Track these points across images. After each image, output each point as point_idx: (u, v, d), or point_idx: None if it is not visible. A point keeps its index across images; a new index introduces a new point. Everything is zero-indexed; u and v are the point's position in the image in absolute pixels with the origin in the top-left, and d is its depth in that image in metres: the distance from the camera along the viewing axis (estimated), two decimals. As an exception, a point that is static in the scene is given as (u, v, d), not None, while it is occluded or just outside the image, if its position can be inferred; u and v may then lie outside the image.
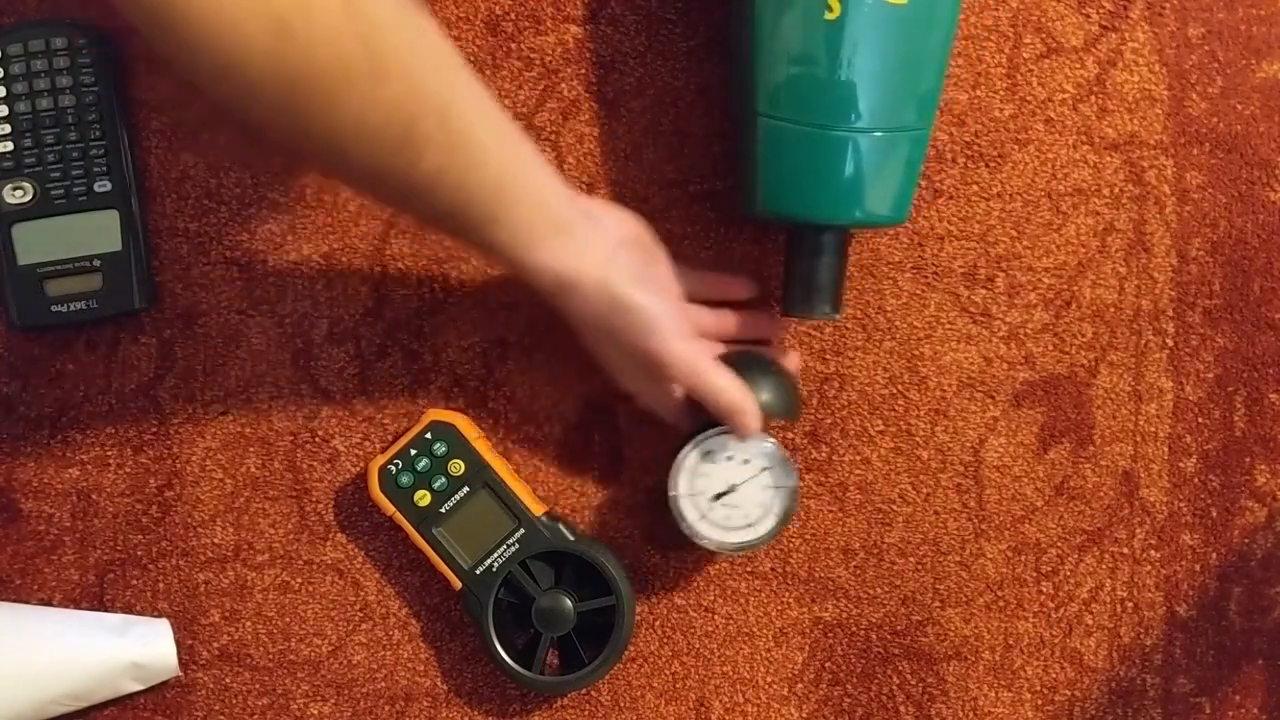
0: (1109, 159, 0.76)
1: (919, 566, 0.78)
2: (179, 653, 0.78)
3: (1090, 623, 0.78)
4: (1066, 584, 0.78)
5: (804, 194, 0.69)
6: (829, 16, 0.65)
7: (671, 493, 0.72)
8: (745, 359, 0.72)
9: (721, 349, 0.73)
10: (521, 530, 0.74)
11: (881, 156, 0.68)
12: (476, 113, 0.59)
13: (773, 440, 0.71)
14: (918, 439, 0.77)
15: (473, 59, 0.76)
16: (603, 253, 0.65)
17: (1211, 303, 0.77)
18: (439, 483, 0.74)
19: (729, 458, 0.71)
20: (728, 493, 0.72)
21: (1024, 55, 0.76)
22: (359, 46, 0.53)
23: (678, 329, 0.67)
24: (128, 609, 0.78)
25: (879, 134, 0.67)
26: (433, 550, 0.75)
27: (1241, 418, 0.77)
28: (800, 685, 0.78)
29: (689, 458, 0.71)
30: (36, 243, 0.75)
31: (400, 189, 0.59)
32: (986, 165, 0.76)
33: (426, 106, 0.56)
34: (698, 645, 0.78)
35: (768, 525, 0.72)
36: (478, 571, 0.75)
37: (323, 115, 0.54)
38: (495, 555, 0.74)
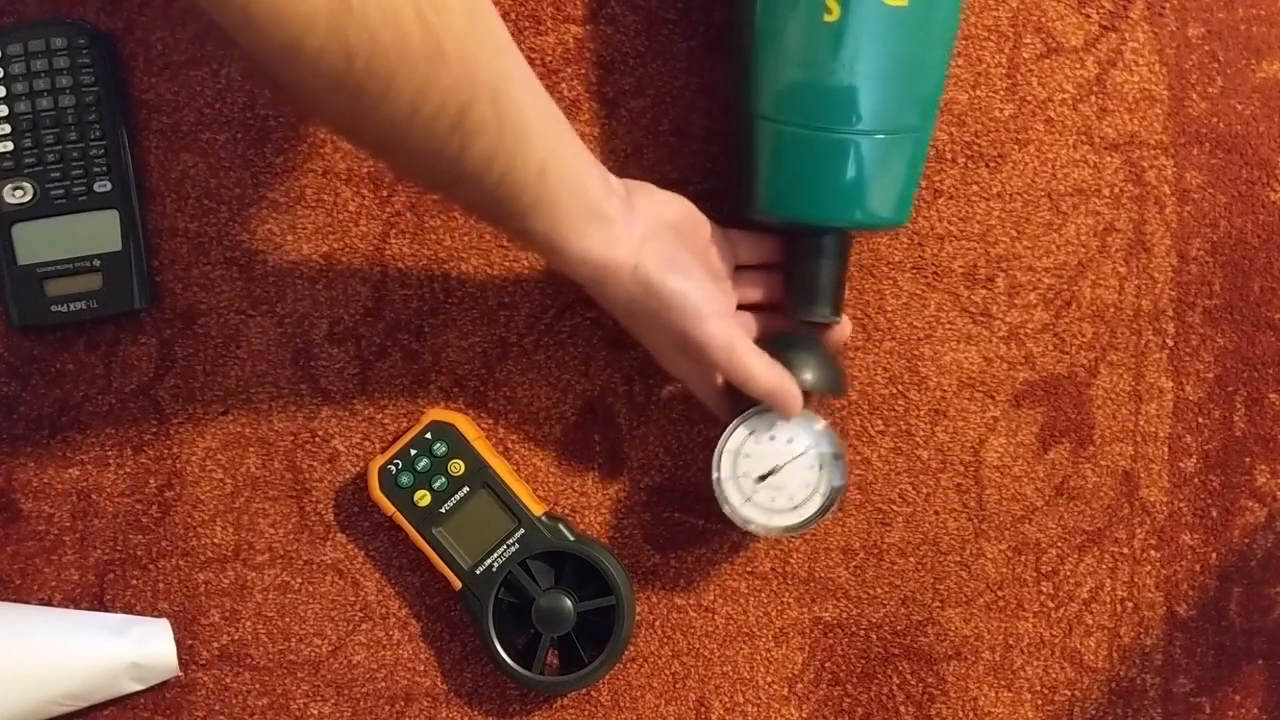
0: (1109, 159, 0.76)
1: (919, 566, 0.78)
2: (179, 653, 0.78)
3: (1090, 623, 0.78)
4: (1066, 584, 0.78)
5: (804, 196, 0.69)
6: (828, 19, 0.65)
7: (714, 475, 0.71)
8: (785, 338, 0.71)
9: (754, 324, 0.73)
10: (521, 530, 0.74)
11: (882, 159, 0.68)
12: (526, 96, 0.59)
13: (820, 418, 0.71)
14: (918, 439, 0.77)
15: (473, 59, 0.76)
16: (637, 239, 0.65)
17: (1211, 303, 0.77)
18: (439, 483, 0.75)
19: (773, 438, 0.71)
20: (772, 474, 0.71)
21: (1024, 55, 0.76)
22: (417, 26, 0.52)
23: (713, 310, 0.67)
24: (128, 609, 0.78)
25: (880, 136, 0.67)
26: (433, 550, 0.75)
27: (1241, 418, 0.77)
28: (800, 685, 0.78)
29: (733, 438, 0.71)
30: (36, 243, 0.75)
31: (449, 175, 0.59)
32: (986, 165, 0.76)
33: (480, 90, 0.56)
34: (698, 645, 0.78)
35: (814, 506, 0.71)
36: (478, 571, 0.75)
37: (379, 97, 0.53)
38: (495, 555, 0.74)
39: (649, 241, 0.66)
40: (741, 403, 0.71)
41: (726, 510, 0.72)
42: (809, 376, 0.70)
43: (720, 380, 0.71)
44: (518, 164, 0.59)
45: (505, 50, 0.58)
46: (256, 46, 0.51)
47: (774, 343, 0.70)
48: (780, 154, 0.68)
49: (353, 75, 0.52)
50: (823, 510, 0.71)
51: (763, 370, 0.68)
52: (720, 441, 0.71)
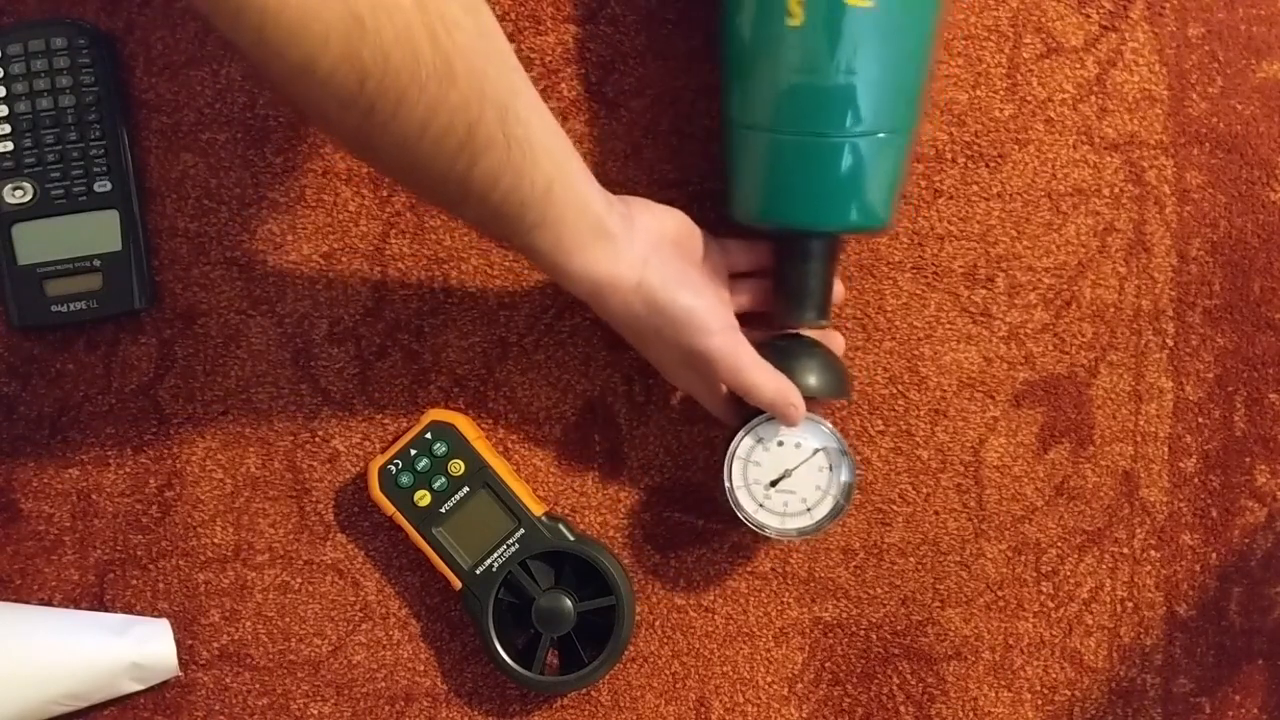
0: (1109, 159, 0.76)
1: (919, 566, 0.78)
2: (179, 653, 0.78)
3: (1090, 623, 0.78)
4: (1066, 584, 0.78)
5: (785, 201, 0.69)
6: (791, 23, 0.64)
7: (726, 484, 0.72)
8: (788, 343, 0.72)
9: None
10: (521, 530, 0.74)
11: (862, 161, 0.67)
12: (532, 115, 0.60)
13: (825, 422, 0.71)
14: (918, 439, 0.77)
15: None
16: (638, 256, 0.65)
17: (1211, 303, 0.77)
18: (439, 483, 0.75)
19: (780, 443, 0.71)
20: (782, 479, 0.72)
21: (1024, 55, 0.76)
22: (429, 45, 0.53)
23: (717, 324, 0.67)
24: (128, 609, 0.78)
25: (859, 139, 0.67)
26: (433, 550, 0.75)
27: (1241, 418, 0.77)
28: (800, 685, 0.78)
29: (741, 446, 0.71)
30: (36, 243, 0.75)
31: (457, 192, 0.59)
32: (986, 165, 0.76)
33: (488, 109, 0.56)
34: (698, 645, 0.78)
35: (826, 508, 0.72)
36: (478, 571, 0.75)
37: (390, 115, 0.54)
38: (495, 555, 0.74)
39: (651, 258, 0.66)
40: (748, 410, 0.71)
41: (741, 517, 0.72)
42: (813, 381, 0.70)
43: (725, 390, 0.71)
44: (524, 181, 0.59)
45: (512, 69, 0.59)
46: (270, 64, 0.51)
47: (777, 349, 0.70)
48: (759, 159, 0.68)
49: (364, 94, 0.53)
50: (835, 511, 0.72)
51: (765, 381, 0.68)
52: (729, 450, 0.71)
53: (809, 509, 0.72)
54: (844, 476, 0.72)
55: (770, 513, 0.72)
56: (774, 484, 0.72)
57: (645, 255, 0.66)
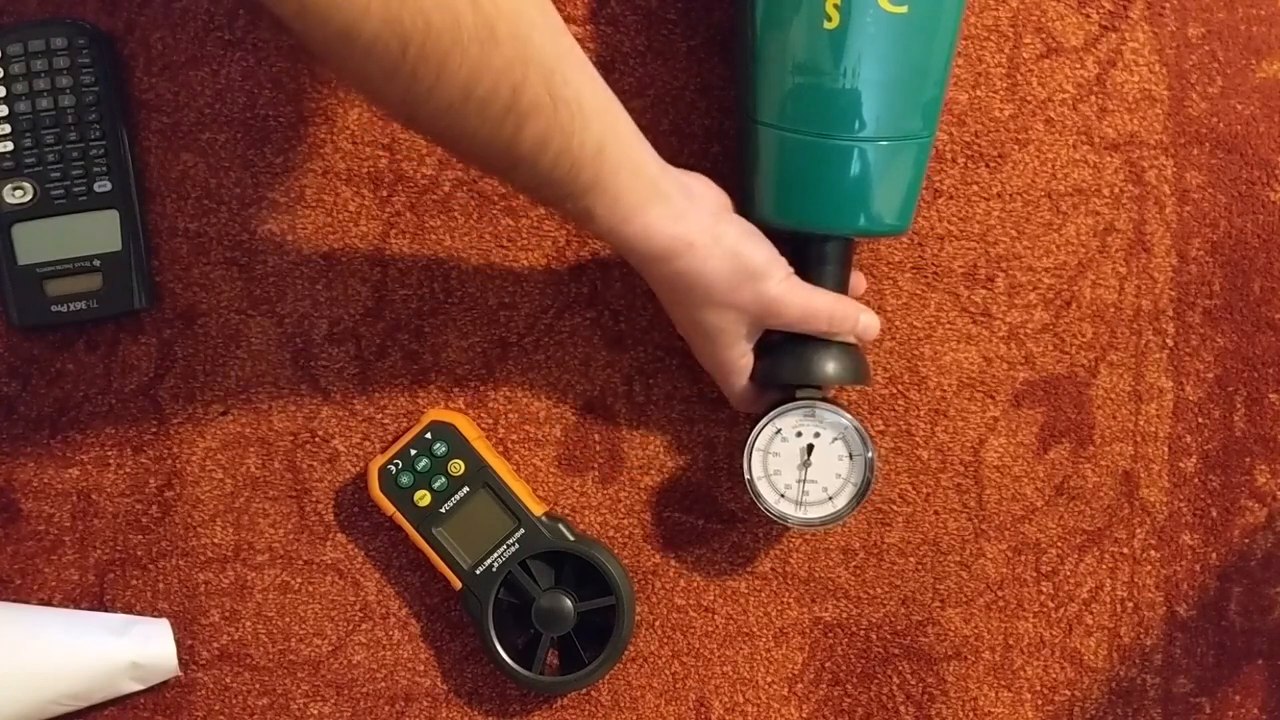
0: (1109, 159, 0.76)
1: (919, 566, 0.78)
2: (179, 653, 0.78)
3: (1090, 623, 0.78)
4: (1066, 584, 0.78)
5: (806, 204, 0.69)
6: (828, 26, 0.65)
7: (746, 476, 0.72)
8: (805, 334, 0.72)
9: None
10: (521, 530, 0.74)
11: (885, 165, 0.68)
12: (579, 76, 0.59)
13: (844, 411, 0.71)
14: (918, 439, 0.77)
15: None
16: (708, 217, 0.66)
17: (1211, 303, 0.77)
18: (439, 483, 0.75)
19: (799, 433, 0.72)
20: (803, 468, 0.72)
21: (1024, 55, 0.76)
22: (469, 8, 0.53)
23: (782, 270, 0.68)
24: (128, 609, 0.78)
25: (882, 143, 0.67)
26: (433, 550, 0.75)
27: (1241, 418, 0.77)
28: (800, 685, 0.78)
29: (760, 437, 0.72)
30: (36, 243, 0.75)
31: (507, 157, 0.59)
32: (986, 165, 0.76)
33: (533, 72, 0.56)
34: (698, 645, 0.78)
35: (847, 496, 0.72)
36: (478, 571, 0.75)
37: (433, 81, 0.54)
38: (495, 555, 0.74)
39: (721, 216, 0.66)
40: (767, 401, 0.72)
41: (762, 508, 0.72)
42: (831, 369, 0.70)
43: (746, 380, 0.71)
44: (574, 143, 0.59)
45: (557, 32, 0.59)
46: (312, 34, 0.51)
47: (793, 336, 0.70)
48: (783, 161, 0.68)
49: (407, 60, 0.53)
50: (856, 499, 0.72)
51: (831, 301, 0.69)
52: (749, 441, 0.72)
53: (830, 497, 0.72)
54: (865, 464, 0.72)
55: (791, 503, 0.72)
56: (794, 474, 0.72)
57: (714, 215, 0.66)
